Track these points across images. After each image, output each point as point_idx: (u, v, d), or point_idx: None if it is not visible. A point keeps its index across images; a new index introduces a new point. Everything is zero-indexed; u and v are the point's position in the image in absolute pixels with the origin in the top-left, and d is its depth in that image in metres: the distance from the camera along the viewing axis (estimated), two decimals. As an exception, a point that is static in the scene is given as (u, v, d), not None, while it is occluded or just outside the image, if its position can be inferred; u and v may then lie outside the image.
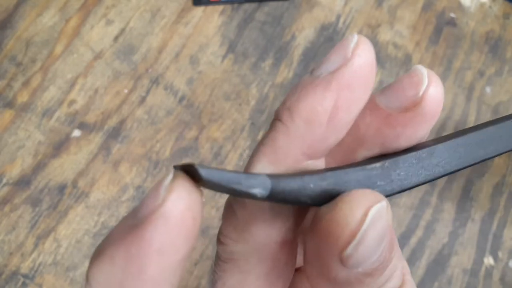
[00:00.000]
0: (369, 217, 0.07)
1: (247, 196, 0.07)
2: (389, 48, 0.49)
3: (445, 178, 0.45)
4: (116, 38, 0.45)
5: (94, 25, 0.46)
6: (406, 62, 0.48)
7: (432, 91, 0.08)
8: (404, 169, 0.09)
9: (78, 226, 0.39)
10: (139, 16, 0.46)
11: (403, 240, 0.42)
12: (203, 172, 0.07)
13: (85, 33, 0.45)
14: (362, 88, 0.08)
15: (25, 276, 0.38)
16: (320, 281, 0.08)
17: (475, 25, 0.51)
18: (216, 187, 0.07)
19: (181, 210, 0.07)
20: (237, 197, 0.09)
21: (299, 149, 0.08)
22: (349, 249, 0.07)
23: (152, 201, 0.06)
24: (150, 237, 0.06)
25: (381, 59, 0.48)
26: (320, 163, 0.09)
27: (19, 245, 0.38)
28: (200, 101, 0.44)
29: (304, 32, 0.48)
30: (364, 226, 0.07)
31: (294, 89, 0.09)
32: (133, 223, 0.07)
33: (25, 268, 0.38)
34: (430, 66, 0.49)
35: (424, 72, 0.08)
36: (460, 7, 0.52)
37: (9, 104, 0.42)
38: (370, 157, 0.09)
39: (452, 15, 0.51)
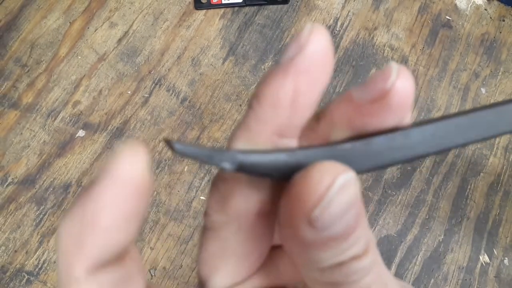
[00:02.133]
0: (336, 185, 0.08)
1: (220, 168, 0.09)
2: (386, 50, 0.50)
3: (441, 177, 0.46)
4: (119, 41, 0.46)
5: (98, 27, 0.47)
6: (403, 64, 0.49)
7: (399, 84, 0.09)
8: (375, 149, 0.09)
9: (82, 224, 0.40)
10: (142, 19, 0.47)
11: (399, 237, 0.43)
12: (177, 146, 0.08)
13: (89, 35, 0.46)
14: (318, 71, 0.09)
15: (30, 273, 0.38)
16: (292, 244, 0.09)
17: (470, 27, 0.52)
18: (194, 159, 0.09)
19: (119, 171, 0.08)
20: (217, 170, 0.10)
21: (269, 130, 0.09)
22: (316, 212, 0.08)
23: (104, 165, 0.08)
24: (98, 192, 0.08)
25: (377, 61, 0.49)
26: (293, 143, 0.10)
27: (24, 243, 0.39)
28: (201, 102, 0.45)
29: (303, 35, 0.49)
30: (331, 192, 0.08)
31: (261, 78, 0.10)
32: (87, 186, 0.08)
33: (29, 265, 0.38)
34: (426, 68, 0.50)
35: (394, 67, 0.09)
36: (456, 10, 0.53)
37: (14, 105, 0.43)
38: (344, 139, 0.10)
39: (448, 17, 0.52)
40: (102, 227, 0.08)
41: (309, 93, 0.09)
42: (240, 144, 0.10)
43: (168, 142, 0.09)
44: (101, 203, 0.08)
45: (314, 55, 0.09)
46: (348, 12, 0.51)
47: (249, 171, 0.09)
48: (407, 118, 0.10)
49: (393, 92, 0.09)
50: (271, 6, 0.50)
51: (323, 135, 0.10)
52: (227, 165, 0.09)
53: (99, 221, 0.08)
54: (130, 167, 0.08)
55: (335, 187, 0.08)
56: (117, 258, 0.08)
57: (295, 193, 0.08)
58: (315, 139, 0.10)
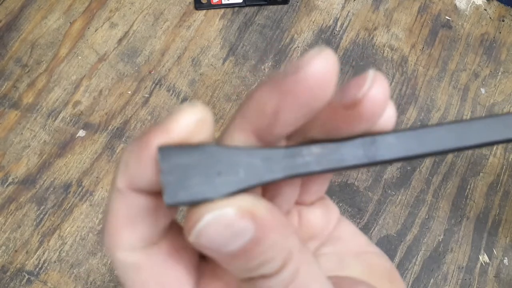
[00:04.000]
0: (202, 222, 0.09)
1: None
2: (386, 50, 0.50)
3: (441, 177, 0.46)
4: (120, 41, 0.46)
5: (98, 28, 0.47)
6: (402, 64, 0.49)
7: (372, 93, 0.09)
8: (346, 151, 0.10)
9: (83, 224, 0.40)
10: (142, 19, 0.48)
11: (399, 237, 0.43)
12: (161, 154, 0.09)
13: (89, 35, 0.46)
14: (306, 97, 0.09)
15: (30, 273, 0.38)
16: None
17: (470, 28, 0.52)
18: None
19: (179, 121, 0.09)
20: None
21: (249, 128, 0.10)
22: (191, 238, 0.09)
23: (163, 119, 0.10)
24: (152, 136, 0.09)
25: (377, 61, 0.49)
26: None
27: (24, 243, 0.39)
28: (201, 102, 0.45)
29: (302, 35, 0.49)
30: (199, 226, 0.09)
31: (260, 81, 0.10)
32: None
33: (30, 265, 0.39)
34: (426, 68, 0.50)
35: (370, 75, 0.09)
36: (456, 10, 0.53)
37: (15, 105, 0.43)
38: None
39: (448, 17, 0.52)
40: (148, 159, 0.09)
41: (292, 113, 0.09)
42: (227, 137, 0.11)
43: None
44: (153, 139, 0.09)
45: (306, 81, 0.09)
46: (348, 12, 0.51)
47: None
48: (379, 124, 0.10)
49: (365, 101, 0.09)
50: (271, 7, 0.50)
51: (299, 133, 0.11)
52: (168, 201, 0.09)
53: (148, 150, 0.09)
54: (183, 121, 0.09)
55: (201, 223, 0.09)
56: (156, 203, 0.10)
57: (185, 217, 0.09)
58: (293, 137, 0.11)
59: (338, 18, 0.50)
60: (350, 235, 0.14)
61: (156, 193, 0.10)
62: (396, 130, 0.10)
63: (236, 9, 0.49)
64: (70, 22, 0.47)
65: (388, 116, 0.10)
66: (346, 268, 0.13)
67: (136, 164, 0.10)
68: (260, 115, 0.10)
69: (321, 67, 0.09)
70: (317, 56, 0.09)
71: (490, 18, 0.53)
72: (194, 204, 0.09)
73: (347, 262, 0.13)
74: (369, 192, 0.44)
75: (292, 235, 0.10)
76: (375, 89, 0.09)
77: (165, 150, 0.09)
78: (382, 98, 0.09)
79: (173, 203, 0.09)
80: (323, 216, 0.14)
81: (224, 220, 0.09)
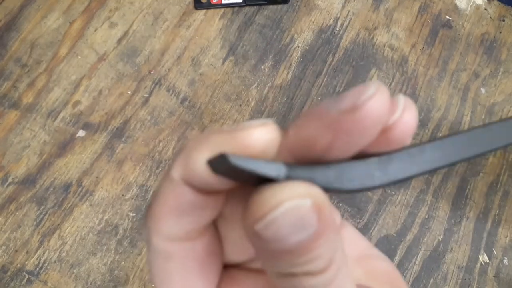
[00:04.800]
0: (282, 208, 0.08)
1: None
2: (386, 50, 0.50)
3: (440, 177, 0.46)
4: (119, 41, 0.46)
5: (98, 27, 0.47)
6: (402, 64, 0.49)
7: (404, 119, 0.09)
8: (396, 164, 0.10)
9: (83, 224, 0.40)
10: (142, 19, 0.47)
11: (399, 237, 0.43)
12: (233, 160, 0.09)
13: (89, 35, 0.46)
14: (362, 135, 0.09)
15: (30, 273, 0.38)
16: (253, 247, 0.10)
17: (470, 27, 0.52)
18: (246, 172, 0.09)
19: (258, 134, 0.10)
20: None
21: (292, 157, 0.10)
22: (259, 226, 0.09)
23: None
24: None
25: (377, 61, 0.49)
26: None
27: (25, 243, 0.39)
28: (201, 102, 0.45)
29: (302, 35, 0.49)
30: (276, 213, 0.08)
31: (312, 108, 0.10)
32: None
33: (30, 265, 0.39)
34: (426, 68, 0.50)
35: (401, 101, 0.09)
36: (456, 10, 0.53)
37: (15, 105, 0.43)
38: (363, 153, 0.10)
39: (448, 17, 0.52)
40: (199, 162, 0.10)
41: (345, 148, 0.09)
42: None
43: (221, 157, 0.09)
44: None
45: (364, 121, 0.09)
46: (348, 12, 0.51)
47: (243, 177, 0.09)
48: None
49: (397, 127, 0.09)
50: (271, 6, 0.50)
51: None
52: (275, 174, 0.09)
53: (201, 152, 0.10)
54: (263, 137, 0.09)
55: (281, 210, 0.08)
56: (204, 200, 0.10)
57: (250, 204, 0.09)
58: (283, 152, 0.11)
59: (338, 18, 0.50)
60: (351, 239, 0.14)
61: (207, 192, 0.10)
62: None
63: (236, 8, 0.49)
64: (69, 22, 0.47)
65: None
66: None
67: (198, 162, 0.10)
68: (310, 148, 0.09)
69: (379, 107, 0.08)
70: (375, 94, 0.08)
71: (490, 17, 0.53)
72: (256, 174, 0.09)
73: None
74: (368, 192, 0.44)
75: (339, 238, 0.10)
76: (407, 116, 0.09)
77: (234, 157, 0.09)
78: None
79: (238, 164, 0.08)
80: None
81: (301, 211, 0.08)
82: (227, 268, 0.12)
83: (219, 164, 0.09)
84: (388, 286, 0.13)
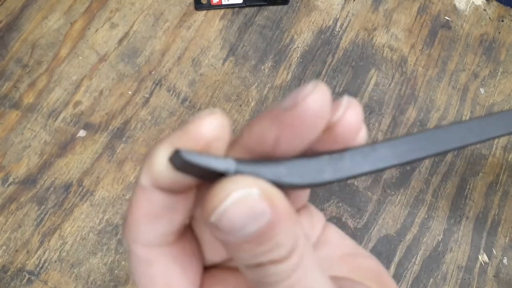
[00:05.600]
0: (230, 198, 0.09)
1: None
2: (385, 51, 0.50)
3: (440, 177, 0.46)
4: (120, 41, 0.47)
5: (99, 28, 0.47)
6: (402, 65, 0.50)
7: (346, 117, 0.10)
8: (348, 161, 0.10)
9: (83, 224, 0.40)
10: (142, 19, 0.48)
11: (398, 237, 0.43)
12: (184, 155, 0.09)
13: (89, 36, 0.46)
14: (305, 128, 0.10)
15: (31, 272, 0.38)
16: (219, 242, 0.10)
17: (469, 28, 0.52)
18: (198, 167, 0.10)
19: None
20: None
21: (248, 154, 0.11)
22: (213, 218, 0.09)
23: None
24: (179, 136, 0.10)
25: (377, 61, 0.49)
26: None
27: (25, 243, 0.39)
28: (202, 102, 0.45)
29: (302, 36, 0.49)
30: (225, 204, 0.09)
31: (258, 115, 0.11)
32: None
33: (30, 265, 0.39)
34: (425, 68, 0.50)
35: (344, 101, 0.10)
36: (455, 10, 0.53)
37: (15, 105, 0.43)
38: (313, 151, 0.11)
39: (447, 18, 0.52)
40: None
41: (290, 143, 0.10)
42: (232, 152, 0.11)
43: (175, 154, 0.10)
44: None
45: (302, 115, 0.10)
46: (348, 12, 0.51)
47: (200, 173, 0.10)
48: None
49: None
50: (271, 7, 0.50)
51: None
52: (179, 162, 0.10)
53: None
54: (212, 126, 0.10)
55: (229, 201, 0.09)
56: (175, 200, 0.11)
57: (205, 198, 0.10)
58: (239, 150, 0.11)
59: (338, 19, 0.50)
60: (337, 239, 0.15)
61: (175, 192, 0.11)
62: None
63: (236, 9, 0.49)
64: (70, 23, 0.47)
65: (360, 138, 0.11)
66: (331, 270, 0.13)
67: (159, 162, 0.10)
68: (260, 144, 0.10)
69: (316, 103, 0.09)
70: (313, 92, 0.09)
71: (489, 18, 0.53)
72: (207, 169, 0.09)
73: (333, 264, 0.14)
74: (368, 192, 0.44)
75: (298, 225, 0.10)
76: (349, 114, 0.10)
77: (187, 153, 0.09)
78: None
79: (189, 159, 0.09)
80: (307, 223, 0.14)
81: (249, 201, 0.09)
82: (208, 269, 0.13)
83: (177, 160, 0.10)
84: (374, 281, 0.13)
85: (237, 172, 0.10)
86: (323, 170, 0.10)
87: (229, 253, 0.10)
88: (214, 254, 0.13)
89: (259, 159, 0.11)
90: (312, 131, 0.10)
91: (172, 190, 0.11)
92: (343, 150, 0.11)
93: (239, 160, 0.10)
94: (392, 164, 0.11)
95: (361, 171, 0.11)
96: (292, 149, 0.10)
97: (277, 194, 0.10)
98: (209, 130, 0.10)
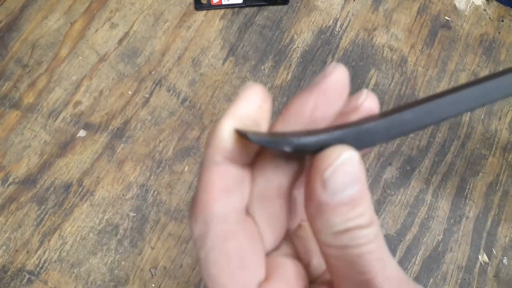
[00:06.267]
0: (340, 159, 0.11)
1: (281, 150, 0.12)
2: (385, 50, 0.50)
3: (440, 177, 0.46)
4: (120, 41, 0.47)
5: (99, 28, 0.47)
6: (402, 64, 0.50)
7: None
8: (410, 114, 0.13)
9: (83, 224, 0.40)
10: (142, 20, 0.48)
11: (398, 237, 0.43)
12: (252, 137, 0.11)
13: (89, 36, 0.46)
14: (334, 95, 0.13)
15: (31, 272, 0.38)
16: (312, 208, 0.12)
17: (469, 28, 0.52)
18: (263, 145, 0.12)
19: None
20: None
21: (294, 125, 0.13)
22: (326, 174, 0.11)
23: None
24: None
25: (377, 61, 0.49)
26: None
27: (25, 243, 0.39)
28: (201, 102, 0.45)
29: (302, 36, 0.49)
30: (336, 162, 0.11)
31: (294, 96, 0.13)
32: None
33: (30, 265, 0.39)
34: (425, 68, 0.50)
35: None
36: (455, 10, 0.53)
37: (15, 105, 0.43)
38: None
39: (447, 18, 0.52)
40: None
41: (324, 110, 0.13)
42: (279, 128, 0.13)
43: (243, 134, 0.12)
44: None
45: (332, 84, 0.13)
46: (348, 12, 0.51)
47: (301, 150, 0.12)
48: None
49: (361, 108, 0.13)
50: (271, 7, 0.50)
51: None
52: (287, 148, 0.12)
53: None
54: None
55: (339, 160, 0.11)
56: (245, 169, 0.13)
57: (314, 163, 0.12)
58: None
59: (338, 19, 0.50)
60: None
61: (244, 164, 0.13)
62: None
63: (236, 9, 0.49)
64: (70, 23, 0.47)
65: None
66: None
67: (228, 140, 0.12)
68: (300, 114, 0.13)
69: (339, 75, 0.13)
70: (336, 68, 0.13)
71: (489, 18, 0.53)
72: (300, 146, 0.11)
73: None
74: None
75: (372, 204, 0.12)
76: (369, 99, 0.13)
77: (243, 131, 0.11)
78: (374, 107, 0.13)
79: (259, 140, 0.11)
80: None
81: (354, 164, 0.11)
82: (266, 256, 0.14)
83: (253, 138, 0.11)
84: None
85: (336, 141, 0.12)
86: (400, 125, 0.12)
87: (321, 221, 0.12)
88: (270, 237, 0.14)
89: (303, 130, 0.13)
90: (339, 97, 0.13)
91: (241, 162, 0.12)
92: (393, 111, 0.13)
93: (318, 131, 0.12)
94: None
95: (430, 120, 0.12)
96: (326, 115, 0.13)
97: (361, 166, 0.12)
98: (253, 106, 0.12)
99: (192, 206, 0.12)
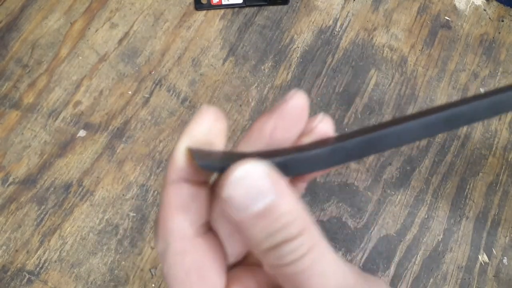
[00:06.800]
0: (235, 174, 0.11)
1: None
2: (385, 51, 0.50)
3: (440, 177, 0.46)
4: (120, 41, 0.47)
5: (99, 28, 0.47)
6: (402, 65, 0.50)
7: (295, 97, 0.14)
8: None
9: (83, 224, 0.40)
10: (142, 19, 0.48)
11: (398, 237, 0.43)
12: (197, 158, 0.12)
13: (89, 36, 0.46)
14: (292, 119, 0.13)
15: (31, 272, 0.38)
16: (233, 228, 0.12)
17: (469, 28, 0.52)
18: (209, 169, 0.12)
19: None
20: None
21: (254, 146, 0.14)
22: (225, 194, 0.11)
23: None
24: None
25: (377, 61, 0.49)
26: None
27: (25, 243, 0.39)
28: (202, 102, 0.45)
29: (302, 36, 0.49)
30: (232, 179, 0.11)
31: (258, 117, 0.14)
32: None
33: (30, 265, 0.39)
34: (425, 68, 0.50)
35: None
36: (455, 10, 0.53)
37: (15, 105, 0.43)
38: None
39: (447, 18, 0.52)
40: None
41: (283, 131, 0.14)
42: (242, 147, 0.14)
43: (193, 154, 0.12)
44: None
45: (290, 109, 0.13)
46: (348, 12, 0.51)
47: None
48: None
49: (316, 129, 0.14)
50: (271, 7, 0.50)
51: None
52: (219, 171, 0.12)
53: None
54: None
55: (236, 176, 0.11)
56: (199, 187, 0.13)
57: (220, 183, 0.12)
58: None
59: (338, 19, 0.50)
60: None
61: (198, 183, 0.13)
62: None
63: (236, 9, 0.49)
64: (70, 23, 0.47)
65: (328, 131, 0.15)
66: None
67: (180, 161, 0.13)
68: (261, 135, 0.13)
69: (298, 100, 0.14)
70: (296, 94, 0.14)
71: (489, 18, 0.53)
72: (224, 167, 0.11)
73: None
74: (368, 192, 0.44)
75: (306, 212, 0.11)
76: (324, 122, 0.14)
77: (196, 151, 0.12)
78: (329, 129, 0.14)
79: (205, 164, 0.12)
80: None
81: (253, 176, 0.11)
82: (230, 269, 0.14)
83: (197, 160, 0.12)
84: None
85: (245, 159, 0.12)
86: (340, 154, 0.12)
87: (246, 236, 0.11)
88: (234, 250, 0.14)
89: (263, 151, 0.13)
90: (297, 121, 0.14)
91: (197, 180, 0.13)
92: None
93: (249, 153, 0.12)
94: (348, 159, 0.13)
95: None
96: (286, 137, 0.14)
97: (278, 175, 0.11)
98: (205, 128, 0.13)
99: (155, 224, 0.13)
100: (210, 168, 0.12)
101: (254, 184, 0.11)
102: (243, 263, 0.14)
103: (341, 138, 0.13)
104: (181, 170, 0.12)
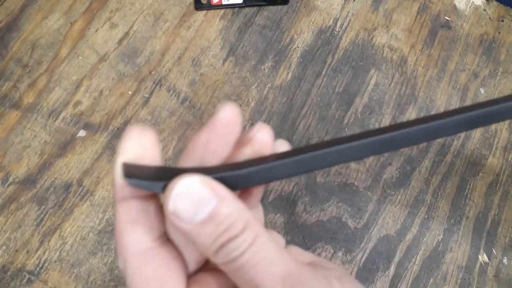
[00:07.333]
0: (177, 187, 0.12)
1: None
2: (385, 51, 0.50)
3: (440, 177, 0.46)
4: (120, 41, 0.47)
5: (99, 28, 0.47)
6: (402, 65, 0.50)
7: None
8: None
9: (83, 224, 0.40)
10: (142, 20, 0.48)
11: (398, 237, 0.43)
12: (127, 177, 0.13)
13: (89, 36, 0.46)
14: (222, 131, 0.14)
15: (31, 272, 0.38)
16: (185, 239, 0.13)
17: (469, 28, 0.52)
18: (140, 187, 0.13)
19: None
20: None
21: (192, 160, 0.14)
22: (170, 208, 0.12)
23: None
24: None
25: (377, 61, 0.49)
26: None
27: (25, 243, 0.39)
28: (202, 102, 0.45)
29: (302, 36, 0.49)
30: (174, 192, 0.12)
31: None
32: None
33: (30, 265, 0.39)
34: (425, 68, 0.50)
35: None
36: (455, 10, 0.53)
37: (15, 105, 0.43)
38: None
39: (447, 18, 0.52)
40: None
41: (215, 143, 0.14)
42: (181, 163, 0.15)
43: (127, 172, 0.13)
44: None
45: (220, 121, 0.14)
46: (348, 12, 0.51)
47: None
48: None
49: (254, 140, 0.14)
50: (271, 7, 0.50)
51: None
52: (156, 190, 0.12)
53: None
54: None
55: (174, 192, 0.12)
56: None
57: (163, 200, 0.12)
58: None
59: (338, 19, 0.50)
60: (299, 253, 0.17)
61: (145, 198, 0.13)
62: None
63: (236, 9, 0.49)
64: (70, 23, 0.47)
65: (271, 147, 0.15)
66: None
67: (118, 178, 0.13)
68: (196, 148, 0.14)
69: (228, 112, 0.14)
70: (226, 106, 0.14)
71: (489, 18, 0.53)
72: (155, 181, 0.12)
73: None
74: (368, 192, 0.44)
75: (246, 211, 0.12)
76: (262, 131, 0.14)
77: (128, 167, 0.13)
78: (267, 138, 0.14)
79: (135, 183, 0.12)
80: None
81: (192, 188, 0.12)
82: (191, 276, 0.15)
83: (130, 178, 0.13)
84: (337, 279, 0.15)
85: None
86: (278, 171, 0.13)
87: (196, 244, 0.12)
88: (192, 257, 0.14)
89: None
90: (229, 132, 0.14)
91: (142, 196, 0.13)
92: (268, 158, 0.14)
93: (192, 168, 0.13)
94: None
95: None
96: (218, 148, 0.14)
97: (217, 183, 0.12)
98: (136, 148, 0.13)
99: (115, 238, 0.14)
100: (141, 186, 0.12)
101: (195, 196, 0.12)
102: (206, 268, 0.15)
103: (279, 156, 0.13)
104: (123, 188, 0.13)
